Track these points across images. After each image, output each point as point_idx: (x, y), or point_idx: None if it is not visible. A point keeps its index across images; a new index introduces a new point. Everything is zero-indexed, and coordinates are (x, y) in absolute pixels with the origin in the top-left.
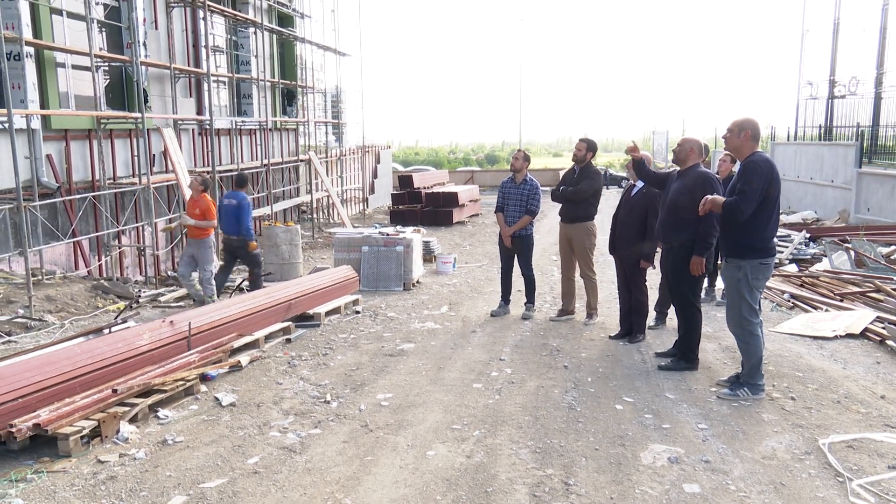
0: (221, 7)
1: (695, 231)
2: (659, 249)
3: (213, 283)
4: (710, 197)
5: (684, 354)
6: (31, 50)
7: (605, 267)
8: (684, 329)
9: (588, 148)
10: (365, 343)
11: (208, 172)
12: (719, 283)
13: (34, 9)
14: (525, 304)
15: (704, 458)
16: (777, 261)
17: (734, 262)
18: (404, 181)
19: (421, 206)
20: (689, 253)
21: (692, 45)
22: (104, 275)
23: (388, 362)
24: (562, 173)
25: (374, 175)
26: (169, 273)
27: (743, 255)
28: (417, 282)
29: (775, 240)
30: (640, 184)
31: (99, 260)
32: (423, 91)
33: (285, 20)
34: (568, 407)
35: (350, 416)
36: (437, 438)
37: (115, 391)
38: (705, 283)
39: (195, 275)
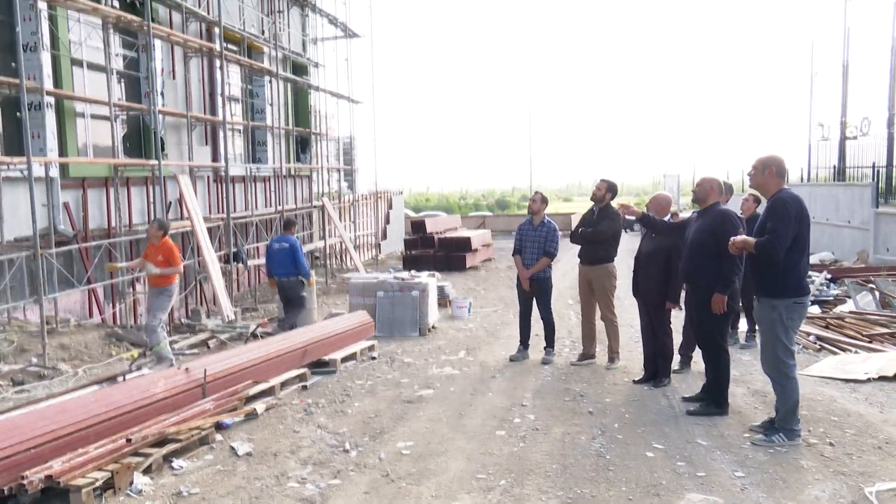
0: (238, 57)
1: (718, 270)
2: (683, 290)
3: (160, 332)
4: (741, 237)
5: (713, 398)
6: (52, 100)
7: (623, 311)
8: (712, 372)
9: (608, 188)
10: (382, 389)
11: (222, 220)
12: (742, 326)
13: (55, 60)
14: (544, 348)
15: None
16: None
17: (768, 301)
18: (417, 226)
19: (434, 251)
20: (713, 292)
21: (702, 89)
22: (118, 322)
23: (406, 409)
24: (573, 217)
25: (387, 221)
26: (183, 321)
27: (777, 295)
28: (433, 327)
29: (810, 258)
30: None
31: (113, 307)
32: (433, 137)
33: (299, 69)
34: (596, 454)
35: (370, 466)
36: (462, 488)
37: (129, 441)
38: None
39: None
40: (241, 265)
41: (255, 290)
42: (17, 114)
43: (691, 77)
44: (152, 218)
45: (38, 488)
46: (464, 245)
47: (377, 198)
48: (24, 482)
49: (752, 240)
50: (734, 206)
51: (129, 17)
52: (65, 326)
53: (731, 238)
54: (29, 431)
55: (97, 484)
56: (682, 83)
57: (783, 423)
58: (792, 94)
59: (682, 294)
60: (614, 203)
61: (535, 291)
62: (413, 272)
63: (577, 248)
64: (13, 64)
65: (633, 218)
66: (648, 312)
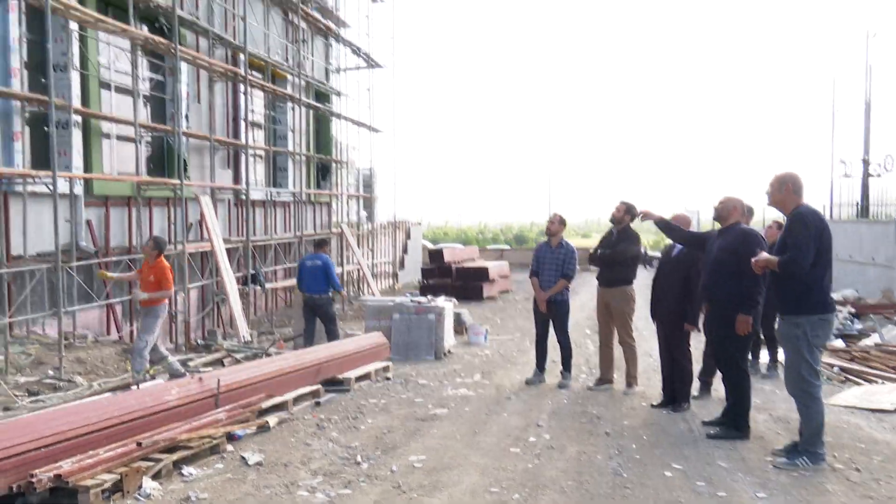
0: (262, 82)
1: (739, 289)
2: (702, 313)
3: (146, 356)
4: (763, 256)
5: (734, 422)
6: (79, 119)
7: (642, 340)
8: (732, 395)
9: (627, 210)
10: (396, 408)
11: (242, 242)
12: (763, 357)
13: (84, 80)
14: (561, 372)
15: None
16: None
17: (791, 319)
18: (434, 256)
19: (451, 281)
20: (735, 312)
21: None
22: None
23: (420, 426)
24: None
25: (405, 251)
26: (199, 341)
27: (800, 311)
28: (449, 351)
29: (833, 295)
30: (678, 248)
31: (131, 325)
32: (453, 170)
33: (322, 97)
34: (613, 473)
35: (381, 477)
36: (475, 501)
37: (139, 445)
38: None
39: (160, 347)
40: (258, 287)
41: (272, 315)
42: (45, 128)
43: (714, 114)
44: (175, 238)
45: (46, 487)
46: (481, 275)
47: (395, 227)
48: (33, 480)
49: (774, 258)
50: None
51: (158, 39)
52: (82, 342)
53: (754, 257)
54: (40, 431)
55: (106, 486)
56: (704, 120)
57: (807, 446)
58: (814, 130)
59: (702, 317)
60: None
61: (552, 314)
62: (430, 296)
63: (595, 279)
64: (42, 80)
65: (653, 222)
66: (667, 335)
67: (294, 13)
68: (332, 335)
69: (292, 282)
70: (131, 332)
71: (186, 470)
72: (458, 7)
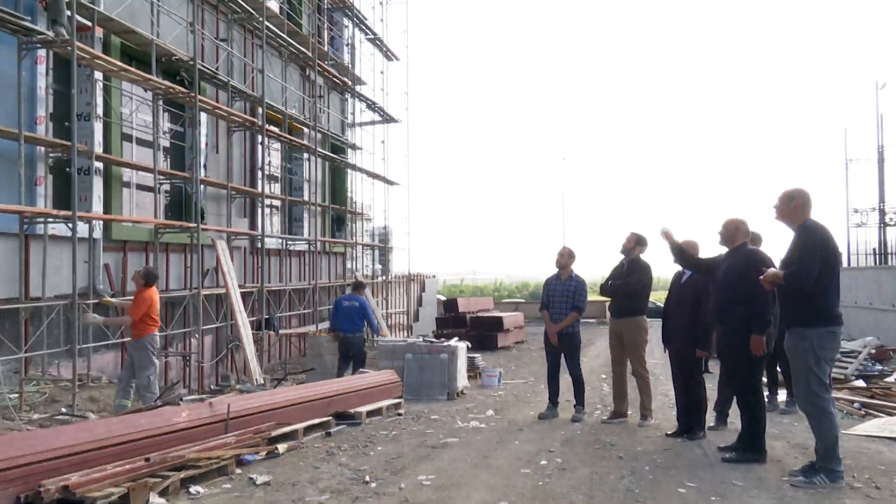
0: (279, 132)
1: (750, 310)
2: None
3: (154, 391)
4: (771, 271)
5: (750, 444)
6: (100, 167)
7: (657, 383)
8: (747, 418)
9: (637, 241)
10: (407, 438)
11: (257, 287)
12: (781, 396)
13: (106, 130)
14: (574, 406)
15: None
16: (843, 376)
17: (798, 331)
18: (449, 305)
19: (466, 330)
20: (746, 333)
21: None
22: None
23: (430, 452)
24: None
25: (419, 303)
26: (212, 387)
27: (807, 324)
28: (462, 392)
29: (839, 310)
30: (687, 273)
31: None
32: (467, 225)
33: (337, 150)
34: (625, 489)
35: (389, 494)
36: None
37: (147, 460)
38: (766, 393)
39: (134, 383)
40: (272, 332)
41: (286, 362)
42: (67, 169)
43: (723, 162)
44: (191, 284)
45: (53, 497)
46: (496, 325)
47: (410, 280)
48: (42, 490)
49: (780, 272)
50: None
51: (178, 88)
52: (96, 382)
53: (762, 275)
54: (48, 444)
55: (113, 498)
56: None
57: (824, 464)
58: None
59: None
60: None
61: (563, 347)
62: (443, 338)
63: (609, 331)
64: (66, 124)
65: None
66: (679, 362)
67: (311, 69)
68: (356, 371)
69: (307, 328)
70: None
71: (193, 488)
72: (470, 61)
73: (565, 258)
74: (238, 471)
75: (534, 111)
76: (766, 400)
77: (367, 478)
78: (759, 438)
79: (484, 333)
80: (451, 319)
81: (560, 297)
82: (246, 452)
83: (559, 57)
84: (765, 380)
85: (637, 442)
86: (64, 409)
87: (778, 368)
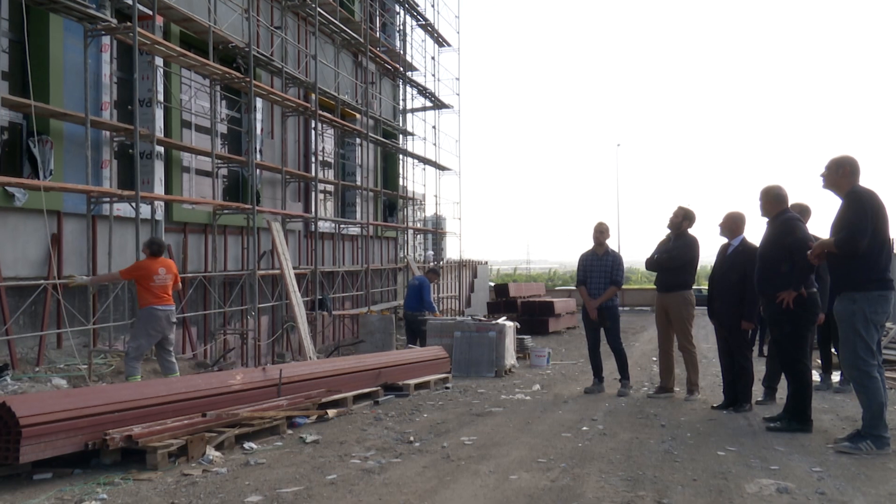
0: (332, 117)
1: (790, 279)
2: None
3: (132, 364)
4: (819, 242)
5: (795, 414)
6: (161, 150)
7: (704, 362)
8: (793, 387)
9: (685, 216)
10: (453, 407)
11: (310, 269)
12: (835, 377)
13: (167, 115)
14: (620, 380)
15: (819, 490)
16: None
17: (848, 294)
18: (500, 290)
19: (517, 315)
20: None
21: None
22: (209, 358)
23: (474, 419)
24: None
25: (471, 289)
26: (265, 368)
27: (858, 287)
28: (510, 370)
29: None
30: (736, 241)
31: (205, 345)
32: (520, 214)
33: (389, 136)
34: (664, 452)
35: (432, 451)
36: (522, 468)
37: (204, 415)
38: (816, 376)
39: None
40: (325, 313)
41: (339, 343)
42: (130, 152)
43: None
44: (248, 265)
45: (118, 445)
46: (547, 309)
47: (461, 265)
48: (107, 438)
49: (830, 240)
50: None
51: (234, 74)
52: (154, 358)
53: (809, 251)
54: (113, 398)
55: (172, 448)
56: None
57: (870, 430)
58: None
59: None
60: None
61: (602, 321)
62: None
63: (655, 306)
64: (129, 108)
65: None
66: (725, 335)
67: (363, 55)
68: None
69: (359, 310)
70: (205, 350)
71: (247, 444)
72: (523, 46)
73: (604, 234)
74: (289, 431)
75: (588, 97)
76: (816, 376)
77: (412, 438)
78: (805, 408)
79: (535, 318)
80: (503, 304)
81: (597, 272)
82: (297, 415)
83: (614, 41)
84: (819, 361)
85: (681, 413)
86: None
87: (833, 350)
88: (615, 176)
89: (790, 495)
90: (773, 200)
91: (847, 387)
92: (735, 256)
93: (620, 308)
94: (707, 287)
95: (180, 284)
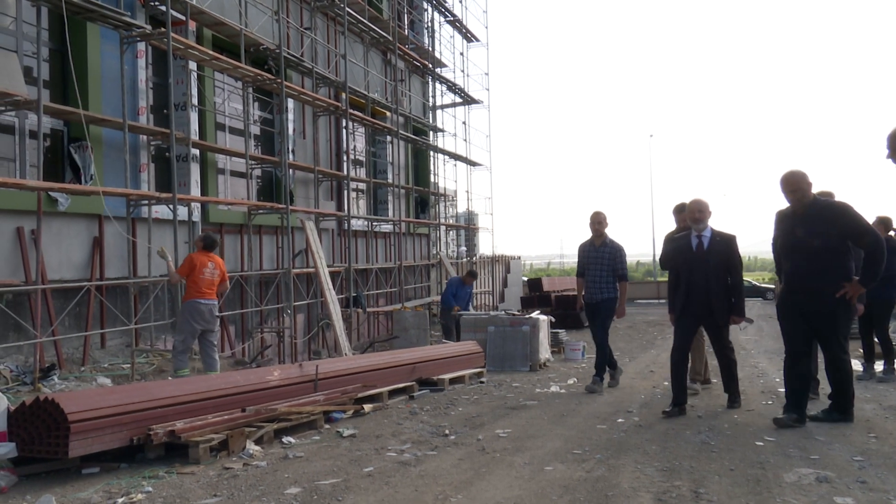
0: (362, 116)
1: (845, 270)
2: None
3: (181, 358)
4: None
5: (837, 405)
6: (197, 153)
7: (748, 352)
8: (836, 378)
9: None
10: (487, 401)
11: (344, 267)
12: (878, 366)
13: (201, 118)
14: (609, 372)
15: (860, 479)
16: None
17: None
18: (533, 284)
19: (550, 309)
20: (838, 300)
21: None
22: (247, 356)
23: (509, 412)
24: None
25: (504, 284)
26: (302, 364)
27: None
28: (545, 364)
29: None
30: (707, 232)
31: (243, 343)
32: (552, 207)
33: (419, 133)
34: (701, 442)
35: (467, 444)
36: (557, 459)
37: (243, 410)
38: (858, 366)
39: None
40: (360, 310)
41: (373, 339)
42: (167, 155)
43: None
44: (282, 265)
45: (162, 440)
46: None
47: (494, 261)
48: (151, 433)
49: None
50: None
51: (266, 75)
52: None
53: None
54: (156, 394)
55: (214, 443)
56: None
57: None
58: None
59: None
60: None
61: (597, 311)
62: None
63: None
64: (165, 111)
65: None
66: (714, 331)
67: (392, 53)
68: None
69: (393, 307)
70: (243, 349)
71: (286, 439)
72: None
73: (602, 224)
74: (326, 426)
75: (619, 88)
76: (858, 366)
77: (447, 431)
78: (848, 399)
79: (569, 312)
80: (536, 298)
81: (595, 264)
82: (334, 410)
83: (646, 30)
84: (861, 350)
85: (718, 404)
86: (170, 378)
87: (875, 339)
88: (648, 167)
89: (830, 484)
90: (809, 184)
91: (890, 376)
92: (715, 248)
93: (645, 301)
94: (670, 282)
95: (227, 284)
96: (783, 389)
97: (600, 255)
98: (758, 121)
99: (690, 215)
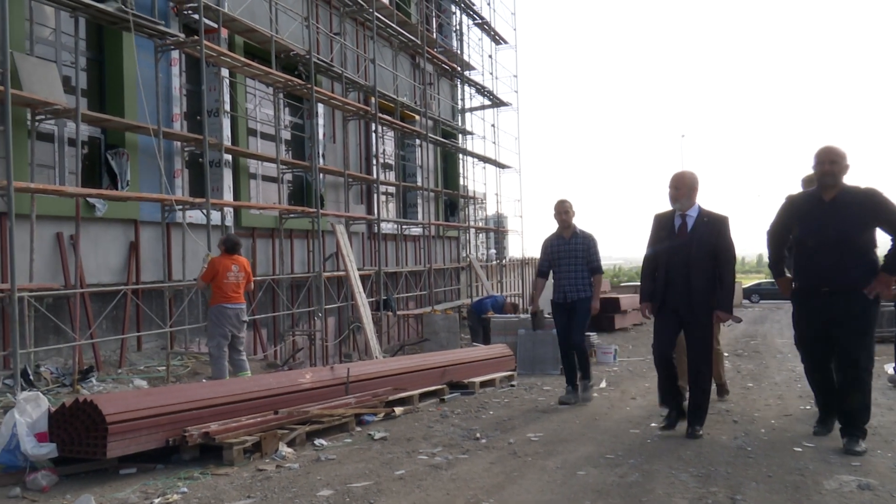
0: (391, 120)
1: (870, 263)
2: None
3: (218, 364)
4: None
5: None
6: (229, 158)
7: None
8: (855, 399)
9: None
10: (518, 405)
11: (374, 271)
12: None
13: (234, 124)
14: (580, 380)
15: None
16: None
17: None
18: None
19: None
20: (869, 298)
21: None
22: (279, 359)
23: (540, 416)
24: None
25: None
26: (333, 367)
27: None
28: None
29: None
30: (694, 212)
31: (275, 346)
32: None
33: (448, 136)
34: (737, 447)
35: (498, 448)
36: (589, 463)
37: (276, 413)
38: (891, 369)
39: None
40: (390, 313)
41: (404, 342)
42: (200, 160)
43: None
44: (313, 268)
45: (197, 442)
46: (612, 306)
47: (524, 263)
48: (187, 435)
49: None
50: None
51: (296, 81)
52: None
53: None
54: (191, 396)
55: (247, 444)
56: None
57: None
58: None
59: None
60: None
61: (573, 309)
62: None
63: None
64: (198, 118)
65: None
66: (694, 331)
67: (420, 56)
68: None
69: (423, 310)
70: (275, 351)
71: (318, 441)
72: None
73: (569, 213)
74: (358, 428)
75: (649, 88)
76: (890, 369)
77: (478, 434)
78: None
79: (601, 315)
80: None
81: (566, 259)
82: (365, 412)
83: (677, 30)
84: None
85: (755, 408)
86: (204, 380)
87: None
88: (680, 167)
89: (872, 492)
90: (848, 164)
91: None
92: (701, 231)
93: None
94: (644, 267)
95: (252, 284)
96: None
97: (572, 249)
98: (793, 120)
99: (670, 191)
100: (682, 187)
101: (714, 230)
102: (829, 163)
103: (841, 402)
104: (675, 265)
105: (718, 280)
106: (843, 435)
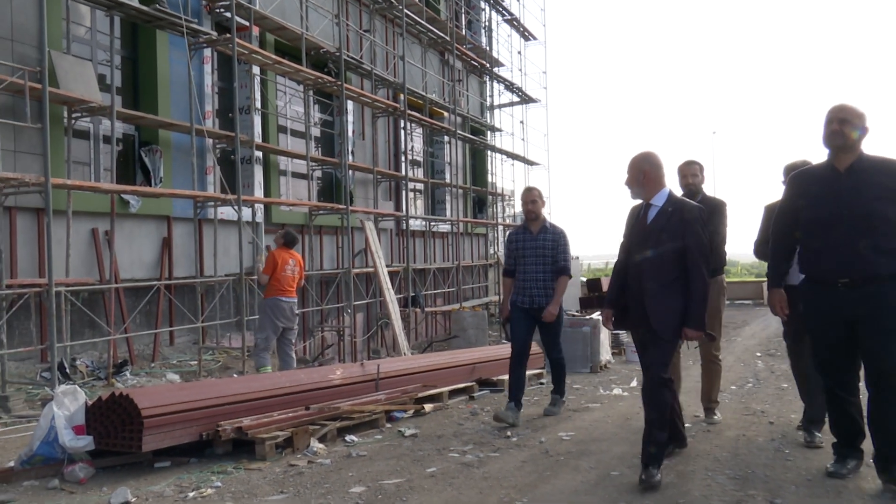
0: (420, 117)
1: None
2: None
3: (262, 356)
4: None
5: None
6: (260, 155)
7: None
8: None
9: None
10: (548, 403)
11: (403, 267)
12: None
13: (264, 122)
14: (552, 394)
15: None
16: None
17: None
18: (592, 285)
19: None
20: None
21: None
22: (308, 355)
23: (571, 415)
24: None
25: None
26: (363, 363)
27: None
28: (605, 366)
29: None
30: (659, 200)
31: (304, 342)
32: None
33: (477, 133)
34: (774, 450)
35: (530, 447)
36: (623, 464)
37: (307, 408)
38: None
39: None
40: (418, 310)
41: (432, 339)
42: (231, 156)
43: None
44: (343, 264)
45: (230, 436)
46: None
47: None
48: (220, 430)
49: None
50: None
51: (326, 78)
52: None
53: None
54: (224, 391)
55: (279, 440)
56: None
57: None
58: None
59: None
60: None
61: (535, 318)
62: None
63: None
64: (230, 115)
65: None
66: (658, 348)
67: (450, 53)
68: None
69: (451, 307)
70: (304, 347)
71: (348, 437)
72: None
73: (537, 203)
74: (388, 425)
75: (680, 85)
76: None
77: (509, 433)
78: None
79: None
80: (595, 299)
81: (533, 256)
82: (395, 409)
83: (708, 25)
84: None
85: (791, 409)
86: (235, 375)
87: None
88: (711, 164)
89: None
90: (863, 128)
91: None
92: (666, 225)
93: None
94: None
95: (303, 281)
96: None
97: (540, 245)
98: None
99: (628, 175)
100: (630, 170)
101: (679, 224)
102: (839, 121)
103: (876, 429)
104: (631, 266)
105: (687, 287)
106: (878, 462)
